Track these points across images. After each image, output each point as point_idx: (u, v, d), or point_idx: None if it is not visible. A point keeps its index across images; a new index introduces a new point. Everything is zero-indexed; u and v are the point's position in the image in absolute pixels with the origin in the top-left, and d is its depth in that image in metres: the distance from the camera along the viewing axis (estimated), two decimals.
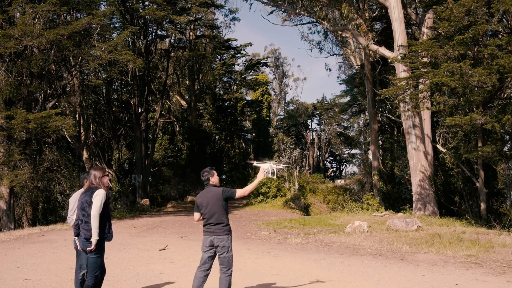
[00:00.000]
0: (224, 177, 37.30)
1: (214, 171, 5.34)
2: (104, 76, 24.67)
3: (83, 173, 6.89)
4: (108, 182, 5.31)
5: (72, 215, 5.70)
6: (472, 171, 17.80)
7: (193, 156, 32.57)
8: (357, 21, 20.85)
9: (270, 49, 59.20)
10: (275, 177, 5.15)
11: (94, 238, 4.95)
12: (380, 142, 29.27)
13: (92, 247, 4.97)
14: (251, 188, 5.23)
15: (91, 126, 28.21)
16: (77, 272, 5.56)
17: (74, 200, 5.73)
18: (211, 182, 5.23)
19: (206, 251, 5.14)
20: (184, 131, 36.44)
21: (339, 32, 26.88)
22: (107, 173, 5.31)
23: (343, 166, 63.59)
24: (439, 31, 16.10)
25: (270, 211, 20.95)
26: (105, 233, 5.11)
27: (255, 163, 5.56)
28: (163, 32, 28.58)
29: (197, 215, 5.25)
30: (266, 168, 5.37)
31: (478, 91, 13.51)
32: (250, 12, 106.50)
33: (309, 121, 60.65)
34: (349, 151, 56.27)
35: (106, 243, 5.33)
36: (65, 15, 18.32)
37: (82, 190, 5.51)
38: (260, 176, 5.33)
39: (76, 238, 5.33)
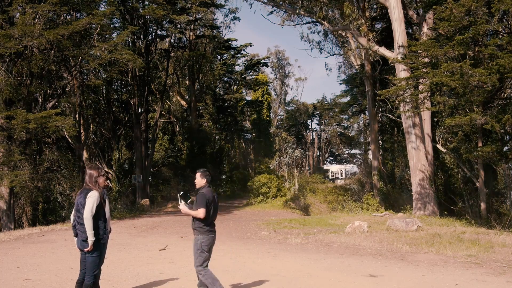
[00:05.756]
0: (224, 177, 37.28)
1: None
2: (104, 76, 24.63)
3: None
4: (105, 181, 5.33)
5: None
6: (472, 171, 17.79)
7: (193, 156, 32.51)
8: (358, 21, 20.86)
9: (274, 50, 59.53)
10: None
11: (90, 240, 5.02)
12: (380, 142, 29.27)
13: (89, 248, 5.04)
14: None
15: (91, 126, 28.20)
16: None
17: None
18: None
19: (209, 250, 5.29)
20: (184, 131, 36.40)
21: (339, 32, 26.88)
22: (103, 173, 5.32)
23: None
24: (439, 31, 16.09)
25: (270, 211, 20.95)
26: (100, 234, 5.13)
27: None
28: (163, 32, 28.57)
29: (205, 210, 5.24)
30: (182, 208, 5.48)
31: (478, 91, 13.50)
32: (251, 13, 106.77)
33: (309, 121, 60.69)
34: (349, 151, 56.29)
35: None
36: (65, 15, 18.30)
37: None
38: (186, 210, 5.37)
39: (76, 238, 5.38)
